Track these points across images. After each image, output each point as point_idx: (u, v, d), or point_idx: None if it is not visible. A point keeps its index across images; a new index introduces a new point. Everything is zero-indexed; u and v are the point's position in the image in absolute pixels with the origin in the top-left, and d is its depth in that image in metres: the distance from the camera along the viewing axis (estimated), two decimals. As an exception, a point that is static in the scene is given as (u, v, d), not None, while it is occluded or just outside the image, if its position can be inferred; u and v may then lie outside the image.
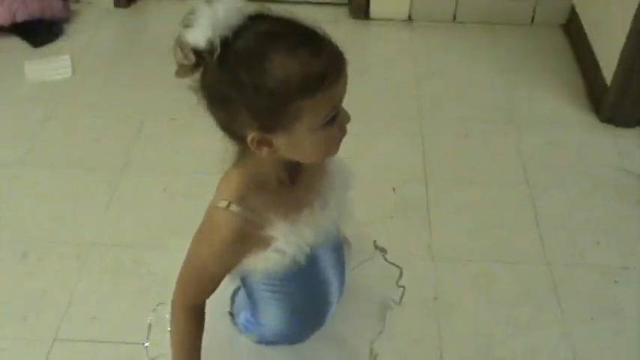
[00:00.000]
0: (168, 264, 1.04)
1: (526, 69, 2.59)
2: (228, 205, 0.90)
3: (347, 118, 0.90)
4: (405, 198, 2.04)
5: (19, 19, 2.57)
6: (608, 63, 2.31)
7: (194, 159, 2.10)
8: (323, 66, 0.83)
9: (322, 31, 0.86)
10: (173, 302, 1.00)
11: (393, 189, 2.05)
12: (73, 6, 2.78)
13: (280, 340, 1.08)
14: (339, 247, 1.08)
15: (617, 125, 2.31)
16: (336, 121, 0.88)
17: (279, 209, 0.92)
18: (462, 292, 1.78)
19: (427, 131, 2.28)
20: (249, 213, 0.91)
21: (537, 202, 2.03)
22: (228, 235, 0.91)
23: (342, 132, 0.91)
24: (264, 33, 0.83)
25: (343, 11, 2.83)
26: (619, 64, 2.23)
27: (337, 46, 0.86)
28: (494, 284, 1.81)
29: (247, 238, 0.92)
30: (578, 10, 2.65)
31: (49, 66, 2.49)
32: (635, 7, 2.13)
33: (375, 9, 2.76)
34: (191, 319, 1.00)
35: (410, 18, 2.78)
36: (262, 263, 0.94)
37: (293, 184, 0.96)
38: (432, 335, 1.67)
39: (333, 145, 0.91)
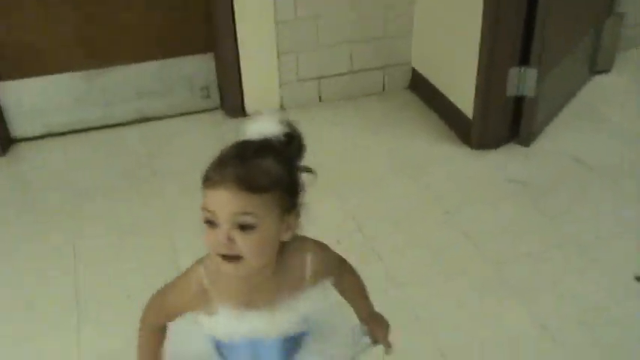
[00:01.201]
0: None
1: (391, 127, 2.96)
2: (200, 267, 1.12)
3: (220, 241, 1.01)
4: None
5: None
6: (464, 101, 2.76)
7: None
8: (211, 172, 1.03)
9: (253, 154, 1.04)
10: (141, 319, 1.23)
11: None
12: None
13: None
14: (284, 343, 1.19)
15: (487, 149, 2.73)
16: (213, 229, 1.02)
17: (235, 294, 1.10)
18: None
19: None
20: (210, 284, 1.10)
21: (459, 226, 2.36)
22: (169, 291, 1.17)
23: (216, 248, 1.02)
24: None
25: (219, 114, 3.05)
26: (476, 99, 2.68)
27: (247, 167, 1.01)
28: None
29: (198, 299, 1.11)
30: (420, 70, 3.12)
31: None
32: (477, 52, 2.60)
33: (249, 105, 3.01)
34: (151, 333, 1.22)
35: (282, 107, 3.07)
36: (204, 323, 1.14)
37: (258, 277, 1.09)
38: None
39: (210, 247, 1.04)
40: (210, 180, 1.02)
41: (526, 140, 2.74)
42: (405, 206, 2.46)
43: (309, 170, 1.12)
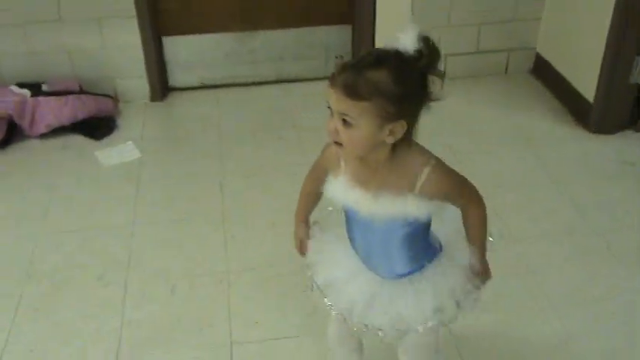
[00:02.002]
0: None
1: (511, 106, 3.11)
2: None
3: (330, 128, 1.25)
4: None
5: (80, 117, 2.88)
6: (587, 86, 2.88)
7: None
8: (334, 72, 1.22)
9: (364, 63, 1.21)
10: (301, 190, 1.58)
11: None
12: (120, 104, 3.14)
13: None
14: (370, 231, 1.38)
15: (605, 133, 2.85)
16: (330, 116, 1.25)
17: (354, 171, 1.33)
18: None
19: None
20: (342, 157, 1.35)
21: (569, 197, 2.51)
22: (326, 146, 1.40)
23: (328, 132, 1.26)
24: None
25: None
26: (598, 84, 2.79)
27: (354, 75, 1.19)
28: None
29: (334, 162, 1.38)
30: (544, 55, 3.25)
31: (118, 152, 2.79)
32: (604, 39, 2.72)
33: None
34: (306, 196, 1.56)
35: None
36: (330, 184, 1.38)
37: (374, 167, 1.30)
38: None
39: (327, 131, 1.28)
40: (331, 78, 1.22)
41: (644, 128, 2.85)
42: (518, 173, 2.63)
43: (440, 75, 1.23)
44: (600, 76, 2.79)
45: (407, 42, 1.21)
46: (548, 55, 3.25)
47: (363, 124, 1.21)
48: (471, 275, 1.42)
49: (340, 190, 1.35)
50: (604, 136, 2.85)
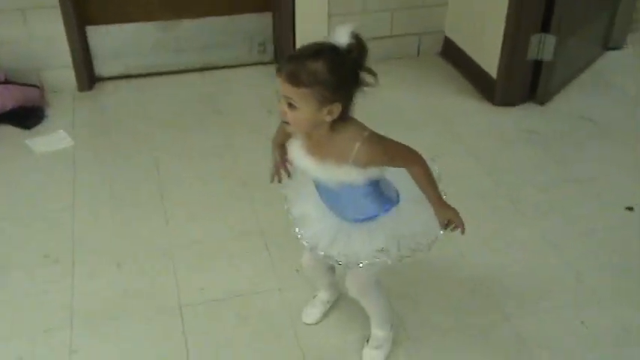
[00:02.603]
0: None
1: (423, 87, 3.35)
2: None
3: (280, 110, 1.48)
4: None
5: (8, 107, 2.89)
6: (490, 64, 3.15)
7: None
8: (281, 62, 1.47)
9: (309, 52, 1.44)
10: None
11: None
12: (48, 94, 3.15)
13: None
14: (338, 194, 1.61)
15: (508, 106, 3.13)
16: (279, 101, 1.48)
17: (302, 143, 1.57)
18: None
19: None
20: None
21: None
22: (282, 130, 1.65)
23: (279, 113, 1.49)
24: None
25: (272, 67, 3.40)
26: (500, 62, 3.07)
27: (296, 66, 1.42)
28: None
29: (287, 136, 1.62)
30: (452, 38, 3.51)
31: (51, 140, 2.83)
32: (503, 21, 2.99)
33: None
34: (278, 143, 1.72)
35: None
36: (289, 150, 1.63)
37: (318, 140, 1.54)
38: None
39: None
40: (277, 69, 1.46)
41: (542, 100, 3.14)
42: (434, 146, 2.85)
43: (370, 72, 1.48)
44: (501, 54, 3.07)
45: (340, 37, 1.44)
46: (455, 38, 3.51)
47: (305, 106, 1.45)
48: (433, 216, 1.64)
49: (296, 154, 1.60)
50: (507, 108, 3.13)
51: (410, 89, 3.33)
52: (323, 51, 1.43)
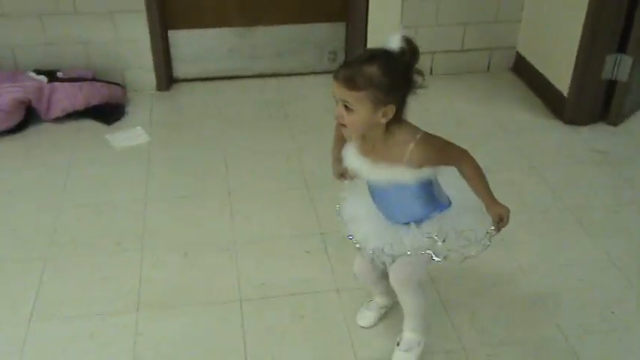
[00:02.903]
0: None
1: (492, 101, 3.33)
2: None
3: (337, 114, 1.54)
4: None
5: (93, 103, 3.05)
6: (562, 81, 3.11)
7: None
8: (337, 68, 1.53)
9: (366, 59, 1.50)
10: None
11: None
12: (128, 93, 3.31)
13: None
14: (388, 195, 1.67)
15: (578, 124, 3.08)
16: (336, 104, 1.53)
17: (357, 144, 1.63)
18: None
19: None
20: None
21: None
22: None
23: (335, 117, 1.55)
24: None
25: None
26: (572, 80, 3.02)
27: (352, 70, 1.48)
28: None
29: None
30: (523, 54, 3.48)
31: (129, 135, 2.97)
32: (578, 39, 2.96)
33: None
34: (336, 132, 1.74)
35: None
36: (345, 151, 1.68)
37: (372, 142, 1.59)
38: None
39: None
40: (335, 73, 1.53)
41: (615, 120, 3.07)
42: (499, 159, 2.85)
43: (420, 73, 1.52)
44: (574, 72, 3.03)
45: (393, 42, 1.51)
46: (527, 54, 3.47)
47: (361, 108, 1.51)
48: (482, 219, 1.67)
49: (351, 156, 1.66)
50: (577, 127, 3.08)
51: (478, 103, 3.32)
52: (377, 56, 1.50)
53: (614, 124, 3.07)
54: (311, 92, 3.40)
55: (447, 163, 1.64)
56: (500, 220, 1.66)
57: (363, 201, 1.77)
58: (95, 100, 3.06)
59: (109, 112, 3.09)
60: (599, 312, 2.09)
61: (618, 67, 2.95)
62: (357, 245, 1.80)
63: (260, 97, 3.35)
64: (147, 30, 3.22)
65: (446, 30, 3.43)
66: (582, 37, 2.95)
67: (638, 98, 3.16)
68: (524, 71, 3.50)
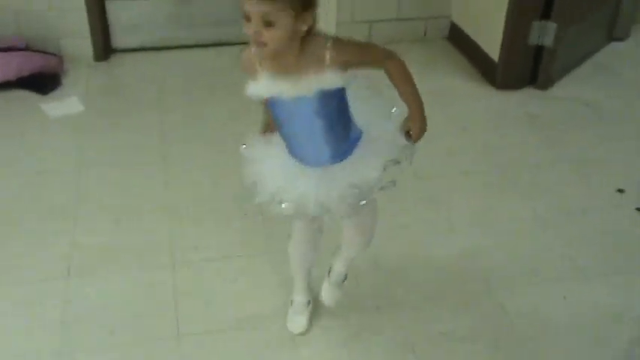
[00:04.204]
0: None
1: (429, 69, 3.29)
2: (250, 49, 1.44)
3: (252, 32, 1.35)
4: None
5: (26, 73, 2.90)
6: (493, 48, 3.08)
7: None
8: None
9: None
10: None
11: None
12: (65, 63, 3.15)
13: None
14: (309, 124, 1.50)
15: (509, 89, 3.05)
16: (248, 22, 1.35)
17: (272, 67, 1.44)
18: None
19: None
20: (256, 58, 1.45)
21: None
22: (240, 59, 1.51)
23: (250, 37, 1.37)
24: None
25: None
26: (502, 46, 3.00)
27: None
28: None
29: (251, 67, 1.47)
30: (457, 23, 3.45)
31: (64, 105, 2.83)
32: (505, 6, 2.93)
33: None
34: None
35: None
36: (252, 87, 1.48)
37: (288, 59, 1.43)
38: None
39: (248, 35, 1.38)
40: None
41: (543, 85, 3.06)
42: (433, 124, 2.77)
43: None
44: (503, 39, 3.00)
45: None
46: (460, 23, 3.44)
47: (283, 19, 1.35)
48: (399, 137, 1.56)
49: (264, 86, 1.48)
50: (509, 92, 3.06)
51: (414, 70, 3.22)
52: None
53: (543, 88, 3.07)
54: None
55: (371, 62, 1.51)
56: (415, 134, 1.56)
57: (276, 170, 1.58)
58: (28, 70, 2.90)
59: (43, 82, 2.93)
60: (526, 268, 2.09)
61: (544, 33, 2.95)
62: (295, 210, 1.56)
63: (198, 67, 3.24)
64: (83, -1, 3.08)
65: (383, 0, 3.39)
66: (509, 4, 2.92)
67: (566, 63, 3.17)
68: (458, 39, 3.47)
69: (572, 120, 2.88)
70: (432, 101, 3.05)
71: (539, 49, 3.01)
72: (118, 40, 3.29)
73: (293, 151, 1.58)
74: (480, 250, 2.15)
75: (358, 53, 1.49)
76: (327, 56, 1.43)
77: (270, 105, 1.54)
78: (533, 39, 2.97)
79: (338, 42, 1.45)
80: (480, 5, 3.23)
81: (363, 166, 1.55)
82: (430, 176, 2.46)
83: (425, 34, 3.55)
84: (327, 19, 3.32)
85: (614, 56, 3.41)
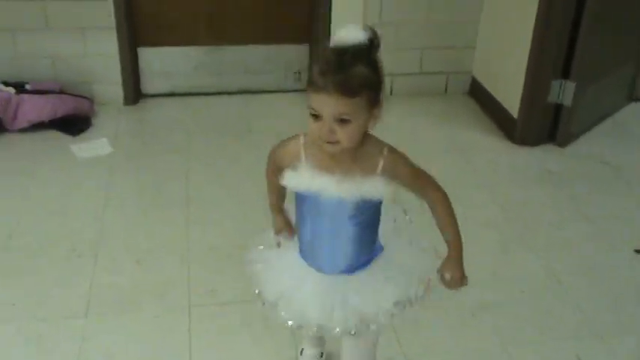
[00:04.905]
0: None
1: (448, 122, 3.33)
2: (301, 137, 1.38)
3: (324, 132, 1.25)
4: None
5: (59, 115, 2.99)
6: (512, 105, 3.12)
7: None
8: (315, 78, 1.23)
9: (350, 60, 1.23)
10: (265, 170, 1.54)
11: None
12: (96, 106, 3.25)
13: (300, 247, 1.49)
14: (338, 228, 1.39)
15: (527, 145, 3.07)
16: (317, 121, 1.25)
17: (320, 162, 1.35)
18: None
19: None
20: (304, 149, 1.37)
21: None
22: (281, 145, 1.44)
23: (321, 136, 1.26)
24: None
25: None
26: (521, 103, 3.04)
27: (342, 75, 1.21)
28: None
29: (292, 156, 1.39)
30: (478, 78, 3.49)
31: (92, 146, 2.90)
32: (525, 64, 2.97)
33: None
34: (271, 182, 1.51)
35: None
36: (287, 176, 1.38)
37: (338, 156, 1.33)
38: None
39: (314, 136, 1.29)
40: (314, 85, 1.23)
41: (562, 142, 3.07)
42: (451, 177, 2.76)
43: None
44: (523, 96, 3.04)
45: (357, 34, 1.26)
46: (481, 79, 3.49)
47: (360, 116, 1.26)
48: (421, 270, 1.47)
49: (305, 179, 1.36)
50: (527, 148, 3.07)
51: (434, 123, 3.31)
52: (357, 52, 1.25)
53: (562, 145, 3.08)
54: (276, 109, 3.36)
55: (419, 187, 1.41)
56: (451, 281, 1.44)
57: (284, 270, 1.50)
58: (61, 112, 2.99)
59: (74, 124, 3.02)
60: (539, 323, 2.06)
61: (563, 91, 2.98)
62: (291, 323, 1.47)
63: (225, 113, 3.31)
64: (116, 46, 3.17)
65: (405, 53, 3.43)
66: (529, 62, 2.96)
67: (585, 121, 3.19)
68: (479, 95, 3.51)
69: (591, 178, 2.88)
70: (452, 154, 3.19)
71: (558, 107, 3.03)
72: (148, 85, 3.38)
73: (308, 250, 1.47)
74: (494, 305, 2.12)
75: (411, 173, 1.39)
76: (381, 164, 1.35)
77: (299, 198, 1.43)
78: (553, 97, 2.99)
79: (394, 152, 1.37)
80: (500, 62, 3.28)
81: (374, 292, 1.43)
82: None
83: (446, 89, 3.60)
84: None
85: (634, 116, 3.42)
